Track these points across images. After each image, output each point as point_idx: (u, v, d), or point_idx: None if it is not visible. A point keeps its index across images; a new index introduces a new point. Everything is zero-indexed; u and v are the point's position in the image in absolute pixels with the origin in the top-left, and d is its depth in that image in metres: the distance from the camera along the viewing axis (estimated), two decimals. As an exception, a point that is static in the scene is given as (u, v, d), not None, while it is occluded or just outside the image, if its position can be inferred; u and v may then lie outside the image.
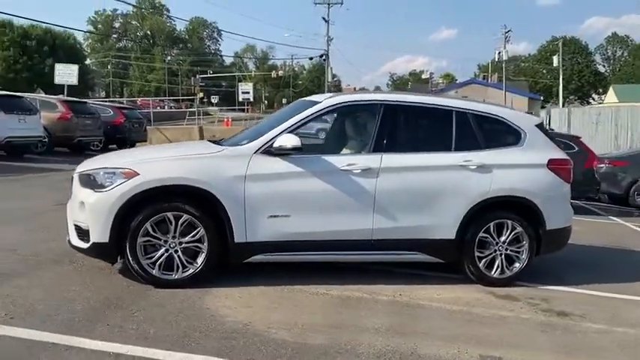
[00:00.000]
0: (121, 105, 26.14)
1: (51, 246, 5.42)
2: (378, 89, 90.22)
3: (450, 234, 4.97)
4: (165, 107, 56.32)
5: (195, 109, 37.28)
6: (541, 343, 3.96)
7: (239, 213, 4.54)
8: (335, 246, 4.83)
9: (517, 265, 5.11)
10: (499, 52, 49.91)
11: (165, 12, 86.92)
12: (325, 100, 5.10)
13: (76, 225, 4.59)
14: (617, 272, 6.04)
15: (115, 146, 17.31)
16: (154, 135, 19.61)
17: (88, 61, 71.31)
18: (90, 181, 4.56)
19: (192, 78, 63.98)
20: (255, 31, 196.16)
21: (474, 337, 3.94)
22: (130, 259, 4.42)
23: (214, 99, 54.59)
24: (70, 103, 16.22)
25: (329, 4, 49.59)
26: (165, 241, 4.47)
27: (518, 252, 5.11)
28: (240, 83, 47.74)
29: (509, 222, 5.06)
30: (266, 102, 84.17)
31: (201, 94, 55.60)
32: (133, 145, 17.02)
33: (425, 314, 4.36)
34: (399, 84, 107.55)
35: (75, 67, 25.06)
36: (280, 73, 75.35)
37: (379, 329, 3.94)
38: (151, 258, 4.45)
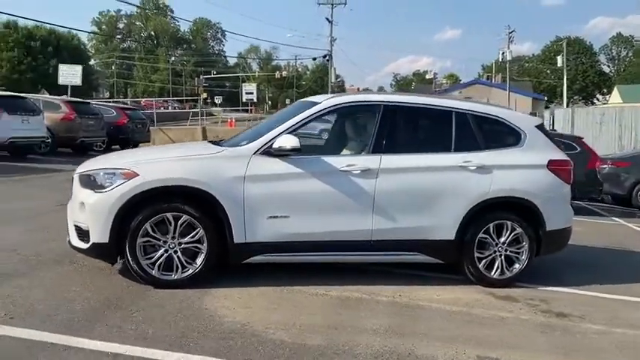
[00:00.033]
0: (124, 105, 26.27)
1: (52, 246, 5.44)
2: (381, 89, 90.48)
3: (450, 235, 4.97)
4: (169, 108, 56.43)
5: (198, 110, 37.30)
6: (540, 344, 3.96)
7: (238, 213, 4.55)
8: (334, 247, 4.83)
9: (517, 266, 5.11)
10: (503, 53, 49.60)
11: (169, 13, 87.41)
12: (325, 101, 5.10)
13: (76, 225, 4.61)
14: (617, 273, 6.03)
15: (118, 147, 17.32)
16: (157, 135, 19.59)
17: (92, 62, 71.65)
18: (90, 182, 4.58)
19: (196, 78, 63.98)
20: (257, 32, 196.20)
21: (472, 337, 3.94)
22: (130, 259, 4.43)
23: (218, 99, 54.60)
24: (73, 104, 16.24)
25: (332, 5, 49.44)
26: (165, 242, 4.48)
27: (518, 253, 5.10)
28: (243, 84, 47.80)
29: (509, 223, 5.06)
30: (270, 102, 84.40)
31: (204, 95, 55.58)
32: (136, 146, 17.02)
33: (424, 315, 4.36)
34: (402, 84, 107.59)
35: (79, 68, 25.24)
36: (284, 73, 75.63)
37: (378, 330, 3.94)
38: (150, 258, 4.46)
